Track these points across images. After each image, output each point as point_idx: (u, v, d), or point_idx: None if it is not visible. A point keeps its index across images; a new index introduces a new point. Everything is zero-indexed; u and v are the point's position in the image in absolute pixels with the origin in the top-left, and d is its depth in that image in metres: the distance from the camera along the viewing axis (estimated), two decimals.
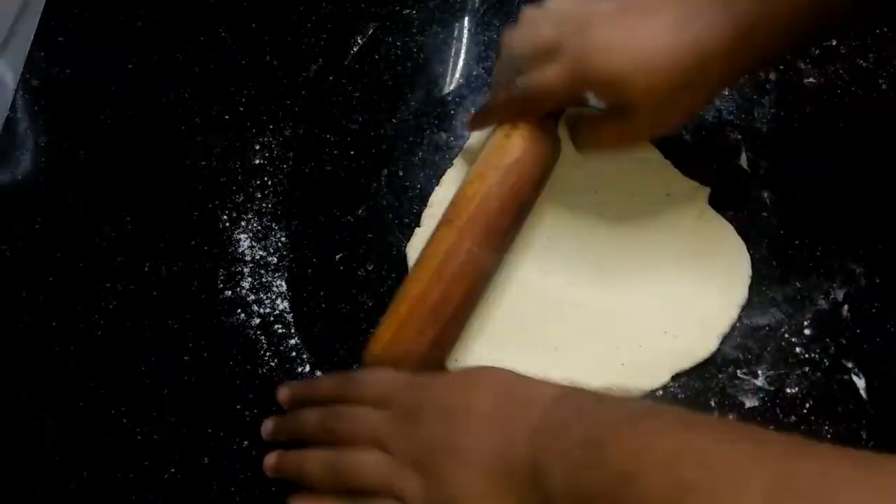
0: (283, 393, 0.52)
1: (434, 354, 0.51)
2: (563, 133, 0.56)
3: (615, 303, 0.57)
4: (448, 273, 0.51)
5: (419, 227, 0.60)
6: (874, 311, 0.56)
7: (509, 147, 0.53)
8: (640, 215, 0.59)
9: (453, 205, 0.54)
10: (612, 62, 0.47)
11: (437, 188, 0.61)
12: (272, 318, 0.58)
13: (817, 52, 0.65)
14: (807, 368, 0.54)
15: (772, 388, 0.54)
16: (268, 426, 0.52)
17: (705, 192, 0.59)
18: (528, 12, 0.53)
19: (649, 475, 0.34)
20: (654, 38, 0.47)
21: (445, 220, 0.53)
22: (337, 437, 0.47)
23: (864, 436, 0.52)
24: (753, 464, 0.33)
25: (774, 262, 0.58)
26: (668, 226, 0.59)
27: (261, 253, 0.61)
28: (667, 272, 0.57)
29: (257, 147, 0.65)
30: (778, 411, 0.53)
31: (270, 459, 0.50)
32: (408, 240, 0.60)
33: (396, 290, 0.53)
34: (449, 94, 0.65)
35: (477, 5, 0.70)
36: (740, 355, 0.55)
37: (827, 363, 0.54)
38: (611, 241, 0.59)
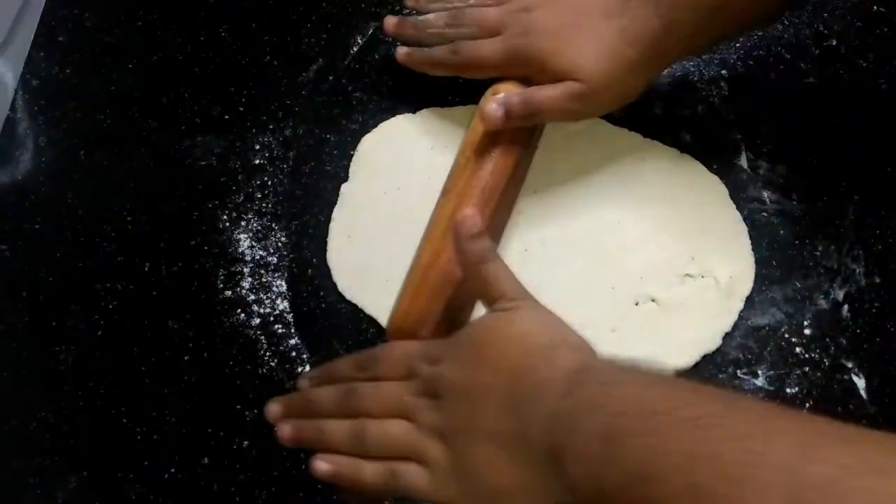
0: (303, 382, 0.51)
1: (451, 316, 0.52)
2: None
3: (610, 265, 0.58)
4: (439, 238, 0.52)
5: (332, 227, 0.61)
6: (874, 311, 0.56)
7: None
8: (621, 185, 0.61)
9: (450, 177, 0.56)
10: (558, 48, 0.53)
11: (344, 185, 0.62)
12: (272, 318, 0.58)
13: (817, 52, 0.65)
14: (807, 368, 0.55)
15: (772, 388, 0.54)
16: (274, 408, 0.50)
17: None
18: None
19: (663, 478, 0.34)
20: (597, 32, 0.53)
21: (444, 192, 0.55)
22: (359, 412, 0.47)
23: None
24: (765, 471, 0.32)
25: (774, 262, 0.58)
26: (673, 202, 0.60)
27: (261, 253, 0.61)
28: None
29: (257, 147, 0.65)
30: None
31: (287, 428, 0.48)
32: None
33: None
34: (449, 93, 0.65)
35: None
36: (740, 355, 0.55)
37: (827, 363, 0.55)
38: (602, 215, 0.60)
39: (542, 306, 0.46)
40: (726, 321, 0.56)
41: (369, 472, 0.45)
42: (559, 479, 0.39)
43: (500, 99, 0.54)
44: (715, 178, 0.60)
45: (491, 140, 0.55)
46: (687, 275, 0.57)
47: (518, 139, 0.56)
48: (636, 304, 0.57)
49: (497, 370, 0.43)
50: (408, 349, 0.48)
